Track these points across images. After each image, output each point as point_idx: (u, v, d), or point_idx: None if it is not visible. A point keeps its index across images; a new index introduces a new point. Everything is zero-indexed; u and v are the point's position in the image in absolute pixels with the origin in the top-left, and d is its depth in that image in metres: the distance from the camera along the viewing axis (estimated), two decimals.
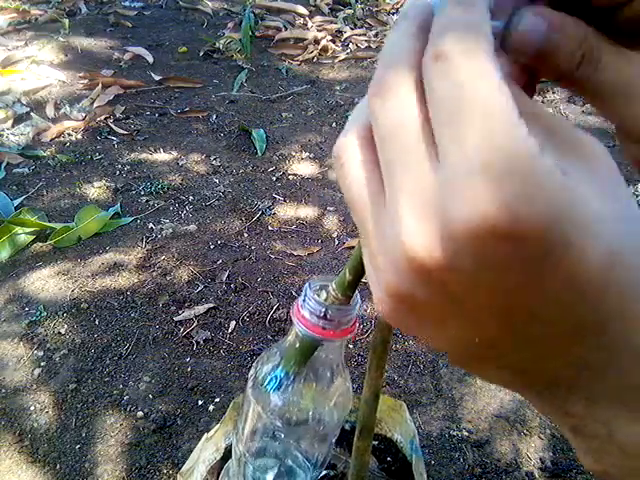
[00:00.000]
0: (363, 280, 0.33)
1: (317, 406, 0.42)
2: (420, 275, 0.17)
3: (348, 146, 0.21)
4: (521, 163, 0.15)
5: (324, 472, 0.53)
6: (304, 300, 0.36)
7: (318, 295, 0.36)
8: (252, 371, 0.43)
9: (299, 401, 0.41)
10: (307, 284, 0.37)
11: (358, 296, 0.37)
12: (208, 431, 0.62)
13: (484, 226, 0.15)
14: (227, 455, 0.57)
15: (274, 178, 1.76)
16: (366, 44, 2.71)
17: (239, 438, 0.47)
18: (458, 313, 0.18)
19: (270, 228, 1.57)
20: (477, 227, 0.16)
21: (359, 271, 0.33)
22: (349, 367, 1.20)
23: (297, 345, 0.37)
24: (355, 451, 0.43)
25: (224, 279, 1.39)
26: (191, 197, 1.66)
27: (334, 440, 0.46)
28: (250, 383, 0.43)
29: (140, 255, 1.45)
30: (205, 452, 0.59)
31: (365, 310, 1.33)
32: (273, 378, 0.39)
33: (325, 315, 0.35)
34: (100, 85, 2.12)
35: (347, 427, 0.60)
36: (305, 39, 2.66)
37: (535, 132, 0.16)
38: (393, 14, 3.05)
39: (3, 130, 1.88)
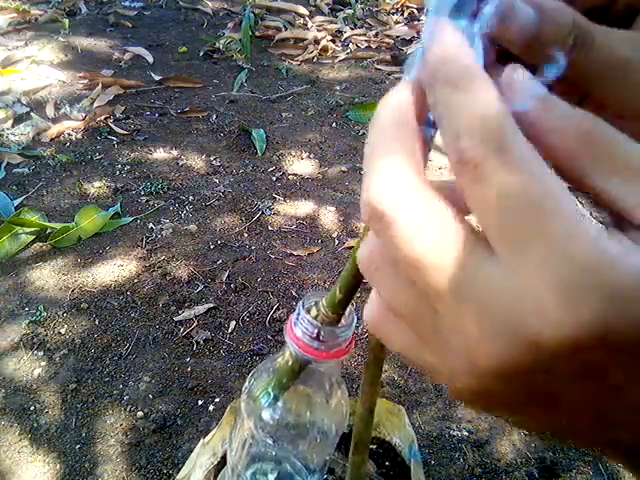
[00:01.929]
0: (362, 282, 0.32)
1: (311, 422, 0.41)
2: (499, 378, 0.17)
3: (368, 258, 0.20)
4: (604, 276, 0.15)
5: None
6: (297, 319, 0.34)
7: (309, 312, 0.34)
8: (247, 384, 0.42)
9: (291, 418, 0.40)
10: (301, 301, 0.35)
11: (354, 316, 0.35)
12: (207, 433, 0.62)
13: (575, 340, 0.15)
14: (224, 460, 0.57)
15: (274, 178, 1.76)
16: (366, 44, 2.71)
17: (231, 449, 0.46)
18: (543, 407, 0.18)
19: (270, 228, 1.57)
20: (567, 341, 0.15)
21: (351, 289, 0.31)
22: (349, 366, 1.21)
23: (290, 363, 0.36)
24: (351, 465, 0.43)
25: (224, 279, 1.39)
26: (191, 197, 1.66)
27: (332, 451, 0.45)
28: (244, 396, 0.41)
29: (140, 255, 1.45)
30: (202, 457, 0.58)
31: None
32: (265, 394, 0.38)
33: (318, 336, 0.34)
34: (100, 85, 2.12)
35: (347, 431, 0.60)
36: (305, 39, 2.66)
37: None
38: (393, 14, 3.05)
39: (3, 130, 1.88)
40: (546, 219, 0.15)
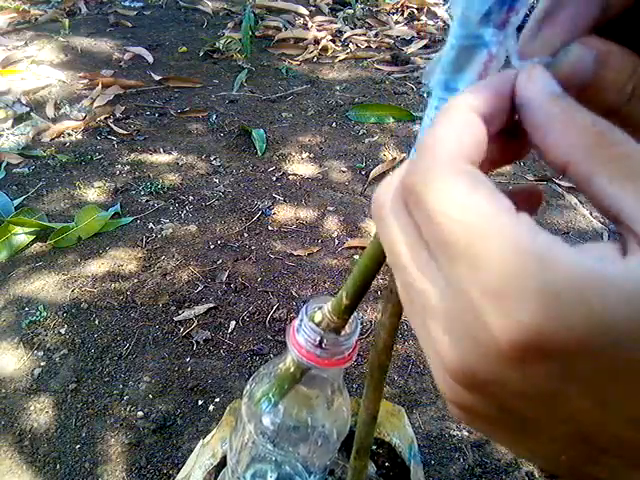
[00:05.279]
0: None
1: (312, 428, 0.40)
2: (468, 387, 0.17)
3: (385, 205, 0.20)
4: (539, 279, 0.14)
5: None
6: (300, 325, 0.34)
7: (313, 315, 0.33)
8: (247, 387, 0.41)
9: (292, 423, 0.39)
10: (304, 307, 0.34)
11: (358, 324, 0.35)
12: (207, 433, 0.62)
13: (522, 346, 0.14)
14: (224, 461, 0.57)
15: (274, 178, 1.76)
16: (366, 44, 2.71)
17: (231, 451, 0.46)
18: (519, 426, 0.17)
19: (270, 228, 1.57)
20: (516, 347, 0.15)
21: (357, 296, 0.31)
22: (349, 365, 1.20)
23: (292, 369, 0.36)
24: (352, 469, 0.43)
25: (224, 279, 1.39)
26: (191, 197, 1.66)
27: (333, 455, 0.45)
28: (245, 400, 0.41)
29: (140, 255, 1.45)
30: (202, 458, 0.58)
31: (365, 310, 1.33)
32: (266, 399, 0.37)
33: (321, 344, 0.33)
34: (100, 85, 2.12)
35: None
36: (305, 39, 2.66)
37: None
38: (393, 14, 3.05)
39: (3, 130, 1.88)
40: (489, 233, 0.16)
